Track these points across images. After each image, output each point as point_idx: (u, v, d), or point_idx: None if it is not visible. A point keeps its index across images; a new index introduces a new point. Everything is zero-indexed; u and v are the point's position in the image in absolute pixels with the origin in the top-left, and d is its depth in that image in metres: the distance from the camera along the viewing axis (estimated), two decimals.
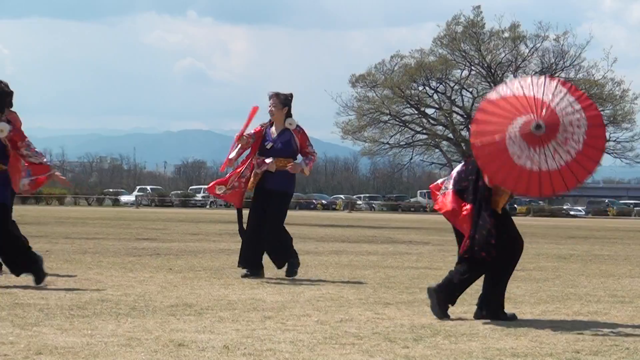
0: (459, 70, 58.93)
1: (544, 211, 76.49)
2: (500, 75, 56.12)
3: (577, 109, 6.49)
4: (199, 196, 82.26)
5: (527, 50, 57.72)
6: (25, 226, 23.16)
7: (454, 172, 7.01)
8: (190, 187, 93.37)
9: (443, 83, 59.54)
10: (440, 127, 60.13)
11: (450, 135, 57.94)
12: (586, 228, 36.02)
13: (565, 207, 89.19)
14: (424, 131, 60.67)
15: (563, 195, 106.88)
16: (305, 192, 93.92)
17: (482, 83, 58.09)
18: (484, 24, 56.98)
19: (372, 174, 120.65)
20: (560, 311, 7.45)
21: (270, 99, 9.96)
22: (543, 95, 6.50)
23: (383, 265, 12.40)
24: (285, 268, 9.88)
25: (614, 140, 58.63)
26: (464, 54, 57.46)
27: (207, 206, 77.80)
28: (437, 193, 7.04)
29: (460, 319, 6.81)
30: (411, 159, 62.70)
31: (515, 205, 74.49)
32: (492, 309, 6.81)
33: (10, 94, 8.67)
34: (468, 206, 6.77)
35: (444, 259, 13.83)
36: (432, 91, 60.10)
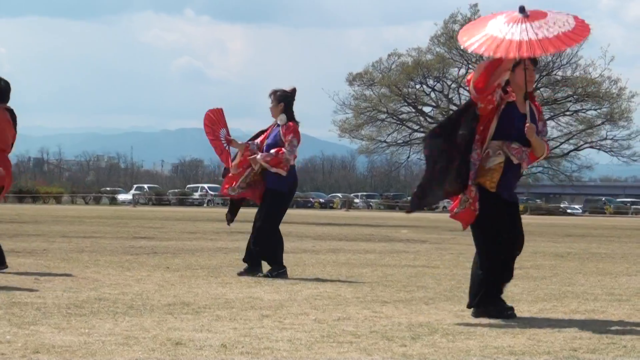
0: (456, 69, 58.91)
1: (541, 209, 76.53)
2: None
3: (566, 16, 6.70)
4: (196, 195, 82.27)
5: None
6: (22, 225, 23.17)
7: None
8: (188, 186, 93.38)
9: (440, 81, 59.54)
10: None
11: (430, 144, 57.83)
12: (583, 226, 36.05)
13: (562, 205, 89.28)
14: (422, 129, 60.65)
15: (560, 194, 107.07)
16: (303, 190, 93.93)
17: None
18: None
19: (369, 172, 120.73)
20: (558, 309, 7.46)
21: (269, 97, 10.06)
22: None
23: (380, 263, 12.41)
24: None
25: (611, 139, 58.67)
26: (461, 52, 57.39)
27: (205, 205, 77.77)
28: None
29: (458, 317, 6.81)
30: (408, 157, 62.70)
31: None
32: (481, 302, 6.79)
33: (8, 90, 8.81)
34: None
35: (441, 257, 13.84)
36: (430, 89, 60.11)
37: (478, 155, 6.73)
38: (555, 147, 59.65)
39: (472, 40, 6.70)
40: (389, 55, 60.23)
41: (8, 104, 9.66)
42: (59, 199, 76.61)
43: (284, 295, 8.04)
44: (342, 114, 58.62)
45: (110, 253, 13.06)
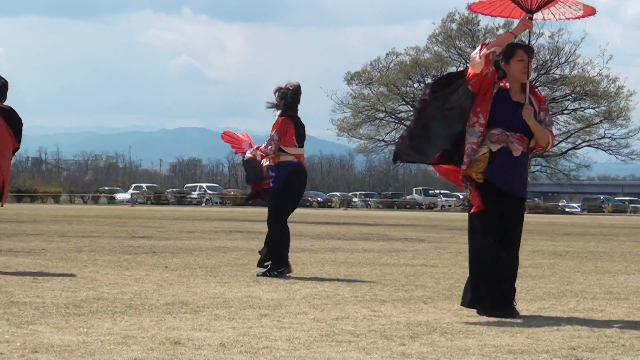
0: (454, 67, 58.92)
1: (539, 208, 76.52)
2: None
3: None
4: (194, 194, 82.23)
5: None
6: (21, 224, 23.16)
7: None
8: (186, 185, 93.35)
9: None
10: None
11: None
12: (582, 225, 36.06)
13: (560, 204, 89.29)
14: None
15: (558, 193, 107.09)
16: None
17: None
18: (479, 21, 56.99)
19: (367, 171, 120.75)
20: (556, 308, 7.46)
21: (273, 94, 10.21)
22: None
23: (379, 262, 12.41)
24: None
25: (609, 137, 58.72)
26: (459, 51, 57.47)
27: (203, 204, 77.75)
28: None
29: (457, 316, 6.81)
30: None
31: None
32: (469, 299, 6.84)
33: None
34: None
35: (440, 256, 13.84)
36: None
37: (476, 145, 6.75)
38: (554, 146, 59.52)
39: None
40: (387, 54, 60.31)
41: (6, 103, 9.66)
42: (57, 199, 76.56)
43: (283, 294, 8.04)
44: (340, 113, 58.67)
45: (108, 252, 13.06)
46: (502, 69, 6.89)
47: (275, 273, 9.73)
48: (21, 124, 9.89)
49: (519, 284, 9.11)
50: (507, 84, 6.90)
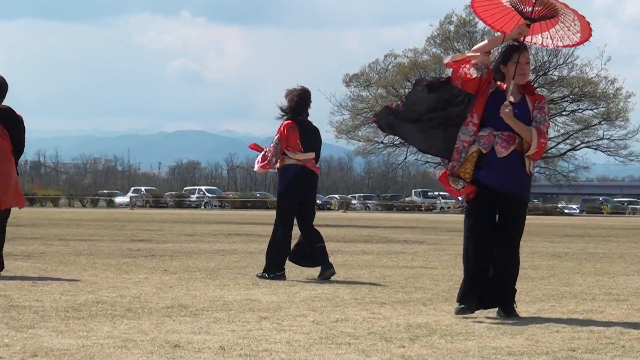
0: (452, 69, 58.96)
1: (538, 209, 76.55)
2: None
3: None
4: (193, 197, 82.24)
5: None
6: (20, 228, 23.13)
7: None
8: (185, 188, 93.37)
9: None
10: None
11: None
12: (581, 226, 36.07)
13: (559, 205, 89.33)
14: None
15: (557, 194, 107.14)
16: None
17: None
18: (477, 22, 57.03)
19: (366, 174, 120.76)
20: (556, 310, 7.46)
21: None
22: None
23: (378, 264, 12.41)
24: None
25: (608, 138, 58.74)
26: (457, 52, 57.48)
27: (202, 207, 77.75)
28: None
29: (456, 318, 6.81)
30: (405, 158, 62.77)
31: None
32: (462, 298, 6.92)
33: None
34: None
35: (439, 258, 13.84)
36: None
37: (467, 143, 6.83)
38: (552, 147, 59.72)
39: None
40: (385, 56, 60.36)
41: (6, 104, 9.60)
42: (56, 202, 76.54)
43: (282, 297, 8.04)
44: (338, 115, 58.71)
45: (107, 256, 13.05)
46: (500, 71, 6.94)
47: (273, 275, 9.71)
48: (19, 125, 9.59)
49: (518, 286, 9.11)
50: (504, 85, 6.95)
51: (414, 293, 8.53)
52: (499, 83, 6.95)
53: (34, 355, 5.02)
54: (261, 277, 9.75)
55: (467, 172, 6.84)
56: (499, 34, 7.20)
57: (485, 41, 7.07)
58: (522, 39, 7.06)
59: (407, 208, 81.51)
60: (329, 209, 78.41)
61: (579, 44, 7.29)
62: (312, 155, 9.97)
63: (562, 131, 58.71)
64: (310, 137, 10.01)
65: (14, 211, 10.29)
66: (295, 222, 10.03)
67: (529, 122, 6.84)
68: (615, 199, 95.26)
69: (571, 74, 56.98)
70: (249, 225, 28.42)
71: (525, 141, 6.83)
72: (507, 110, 6.76)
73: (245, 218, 39.65)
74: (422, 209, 79.32)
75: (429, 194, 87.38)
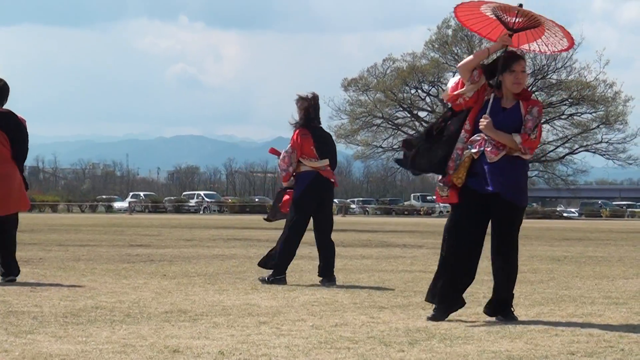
0: (451, 73, 58.95)
1: (537, 213, 76.58)
2: None
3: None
4: (192, 202, 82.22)
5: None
6: (19, 234, 23.10)
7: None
8: (184, 193, 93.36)
9: (436, 86, 59.58)
10: None
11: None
12: (580, 230, 36.08)
13: (558, 208, 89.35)
14: (417, 134, 60.63)
15: (556, 198, 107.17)
16: None
17: None
18: None
19: (365, 178, 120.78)
20: (555, 313, 7.46)
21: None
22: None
23: (377, 269, 12.40)
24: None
25: (606, 142, 58.72)
26: (456, 57, 57.46)
27: (201, 212, 77.72)
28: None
29: (455, 321, 6.81)
30: None
31: None
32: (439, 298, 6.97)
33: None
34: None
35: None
36: (425, 94, 60.15)
37: (461, 150, 6.87)
38: (551, 151, 59.77)
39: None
40: (383, 61, 60.33)
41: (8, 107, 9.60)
42: (55, 208, 76.52)
43: (281, 301, 8.03)
44: (337, 119, 58.69)
45: (106, 261, 13.05)
46: (498, 80, 6.96)
47: (272, 279, 9.70)
48: (20, 129, 9.45)
49: (517, 290, 9.12)
50: (501, 93, 6.98)
51: (413, 297, 8.53)
52: (496, 91, 6.98)
53: None
54: (262, 280, 9.73)
55: (460, 177, 6.89)
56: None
57: (471, 56, 7.11)
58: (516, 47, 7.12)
59: (406, 212, 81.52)
60: None
61: (568, 48, 7.32)
62: (326, 162, 10.00)
63: (560, 135, 58.69)
64: (324, 144, 10.05)
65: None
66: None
67: (519, 127, 6.87)
68: (614, 203, 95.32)
69: (569, 78, 56.96)
70: (247, 230, 28.40)
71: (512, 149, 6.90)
72: (485, 122, 6.82)
73: (244, 223, 39.64)
74: (421, 213, 79.34)
75: (428, 198, 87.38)
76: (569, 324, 6.75)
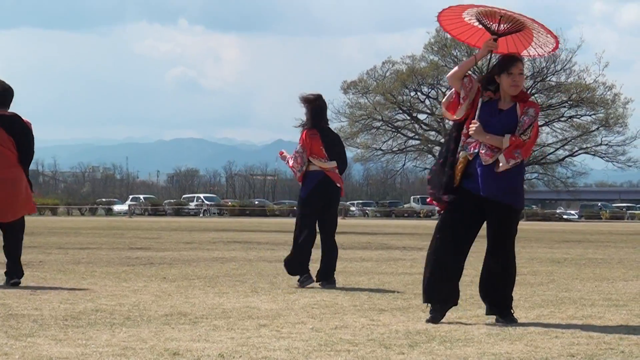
0: None
1: (537, 215, 76.58)
2: None
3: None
4: (192, 205, 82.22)
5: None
6: None
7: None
8: (184, 196, 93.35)
9: (435, 88, 59.66)
10: (433, 133, 60.24)
11: (443, 140, 58.09)
12: (579, 232, 36.07)
13: (558, 211, 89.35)
14: (417, 137, 60.73)
15: (555, 200, 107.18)
16: None
17: None
18: None
19: (365, 180, 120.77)
20: (555, 315, 7.46)
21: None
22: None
23: (377, 271, 12.40)
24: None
25: (606, 144, 58.78)
26: (455, 59, 57.53)
27: (201, 215, 77.72)
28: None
29: (455, 324, 6.81)
30: (404, 164, 62.84)
31: None
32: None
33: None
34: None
35: None
36: (424, 97, 60.23)
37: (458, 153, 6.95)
38: (551, 153, 59.77)
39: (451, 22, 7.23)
40: (383, 63, 60.46)
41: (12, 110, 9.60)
42: (55, 211, 76.52)
43: (281, 304, 8.03)
44: (337, 122, 58.77)
45: (106, 264, 13.05)
46: (496, 82, 6.96)
47: (301, 281, 9.81)
48: (25, 132, 9.45)
49: (517, 292, 9.13)
50: (498, 95, 6.97)
51: (413, 299, 8.53)
52: (489, 93, 6.97)
53: None
54: (299, 286, 9.76)
55: (456, 178, 6.92)
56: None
57: (457, 67, 7.09)
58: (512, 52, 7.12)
59: (405, 214, 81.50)
60: None
61: (557, 46, 7.32)
62: (334, 164, 10.01)
63: (560, 137, 58.76)
64: (332, 144, 10.06)
65: None
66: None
67: (515, 129, 6.87)
68: (613, 205, 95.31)
69: (569, 80, 57.04)
70: (247, 233, 28.40)
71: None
72: (474, 127, 6.83)
73: (244, 226, 39.64)
74: (421, 215, 79.31)
75: (428, 200, 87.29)
76: (569, 326, 6.75)
